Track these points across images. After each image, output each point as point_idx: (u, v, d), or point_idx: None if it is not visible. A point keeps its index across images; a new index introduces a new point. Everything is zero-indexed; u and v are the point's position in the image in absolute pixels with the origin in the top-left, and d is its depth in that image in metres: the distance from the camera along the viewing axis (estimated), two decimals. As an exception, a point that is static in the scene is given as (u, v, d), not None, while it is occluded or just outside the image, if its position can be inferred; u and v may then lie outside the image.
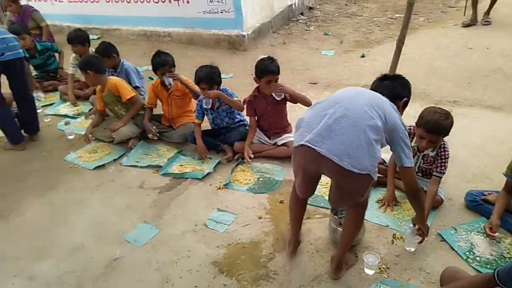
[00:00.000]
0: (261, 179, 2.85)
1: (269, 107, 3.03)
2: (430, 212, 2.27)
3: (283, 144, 3.05)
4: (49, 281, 2.12)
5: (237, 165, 3.02)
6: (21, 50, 3.32)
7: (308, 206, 2.16)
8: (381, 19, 6.56)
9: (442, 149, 2.35)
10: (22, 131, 3.58)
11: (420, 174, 2.52)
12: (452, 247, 2.11)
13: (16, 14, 5.47)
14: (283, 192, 2.68)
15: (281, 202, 2.59)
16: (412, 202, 1.97)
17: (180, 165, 3.07)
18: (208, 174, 2.92)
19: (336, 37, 5.95)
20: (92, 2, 6.44)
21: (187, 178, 2.91)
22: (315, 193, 2.16)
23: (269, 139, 3.15)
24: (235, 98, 3.10)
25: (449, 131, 2.26)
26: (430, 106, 2.38)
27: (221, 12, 5.43)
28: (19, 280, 2.14)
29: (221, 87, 3.13)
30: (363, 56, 5.06)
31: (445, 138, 2.34)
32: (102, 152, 3.35)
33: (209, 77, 3.01)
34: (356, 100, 1.69)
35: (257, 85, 3.00)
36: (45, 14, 5.99)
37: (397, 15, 6.50)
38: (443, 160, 2.34)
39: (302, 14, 7.20)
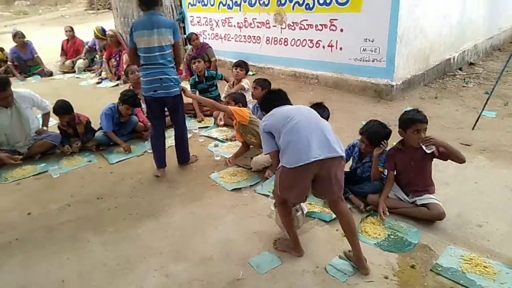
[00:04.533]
0: (392, 236, 2.68)
1: (413, 162, 2.87)
2: None
3: (423, 205, 2.82)
4: (181, 282, 2.37)
5: (367, 216, 2.91)
6: (177, 88, 3.56)
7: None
8: None
9: None
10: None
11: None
12: None
13: (195, 48, 6.57)
14: (415, 256, 2.47)
15: (412, 266, 2.38)
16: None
17: (309, 204, 3.12)
18: (335, 218, 2.89)
19: (499, 98, 5.32)
20: (254, 43, 7.24)
21: (314, 218, 2.93)
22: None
23: (407, 196, 2.96)
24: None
25: None
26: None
27: (373, 61, 5.46)
28: (158, 274, 2.44)
29: None
30: (532, 123, 4.41)
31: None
32: (241, 176, 3.64)
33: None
34: (309, 115, 2.38)
35: (401, 138, 2.90)
36: (214, 50, 7.01)
37: None
38: None
39: (460, 69, 6.70)
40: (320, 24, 5.97)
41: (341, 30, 5.72)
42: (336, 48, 5.88)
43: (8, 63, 8.08)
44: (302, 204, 2.64)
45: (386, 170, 3.04)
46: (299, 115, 2.31)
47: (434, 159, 2.86)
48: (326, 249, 2.60)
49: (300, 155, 2.15)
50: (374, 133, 3.00)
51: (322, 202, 3.12)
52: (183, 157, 3.95)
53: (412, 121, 2.75)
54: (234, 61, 5.35)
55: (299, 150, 2.16)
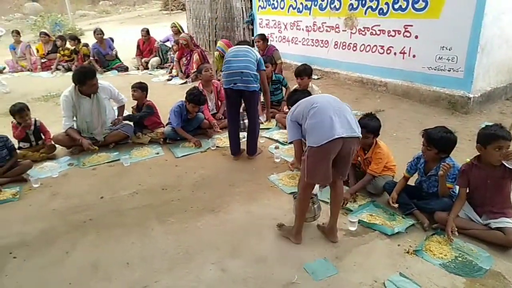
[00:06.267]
0: (460, 258, 2.50)
1: (490, 180, 2.65)
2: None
3: (498, 229, 2.59)
4: (235, 279, 2.41)
5: (433, 234, 2.74)
6: (256, 85, 3.84)
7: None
8: None
9: None
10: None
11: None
12: None
13: (261, 50, 6.65)
14: (486, 283, 2.28)
15: (481, 294, 2.20)
16: None
17: (370, 215, 3.01)
18: (398, 233, 2.77)
19: None
20: (321, 47, 7.16)
21: (375, 230, 2.83)
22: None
23: (480, 217, 2.74)
24: None
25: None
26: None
27: (449, 70, 5.12)
28: (215, 268, 2.52)
29: None
30: None
31: None
32: (300, 180, 3.62)
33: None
34: (331, 99, 2.54)
35: (478, 153, 2.70)
36: (280, 53, 7.05)
37: None
38: None
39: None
40: (393, 30, 5.74)
41: (416, 37, 5.45)
42: (409, 55, 5.61)
43: (91, 58, 8.82)
44: (318, 194, 2.88)
45: (457, 187, 2.85)
46: (322, 100, 2.51)
47: None
48: (386, 263, 2.50)
49: (325, 133, 2.34)
50: (435, 133, 2.85)
51: (387, 214, 3.01)
52: (252, 148, 4.15)
53: (495, 137, 2.54)
54: (300, 64, 5.33)
55: (324, 128, 2.35)
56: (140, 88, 4.77)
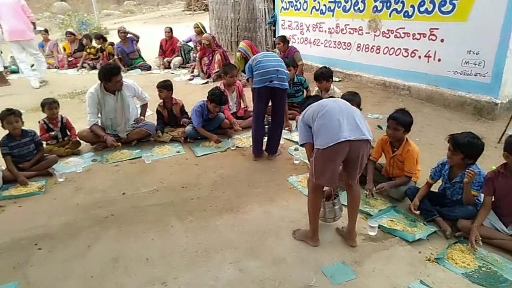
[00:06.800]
0: (483, 268, 2.43)
1: (517, 189, 2.58)
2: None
3: (525, 240, 2.52)
4: (253, 279, 2.42)
5: (455, 242, 2.68)
6: (287, 84, 3.91)
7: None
8: None
9: None
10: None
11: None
12: None
13: (282, 52, 6.66)
14: (511, 295, 2.21)
15: (506, 306, 2.14)
16: None
17: (391, 220, 2.97)
18: (419, 240, 2.71)
19: None
20: (344, 49, 7.10)
21: (396, 236, 2.79)
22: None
23: (506, 227, 2.66)
24: None
25: None
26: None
27: (475, 75, 5.00)
28: (232, 267, 2.53)
29: None
30: None
31: None
32: (319, 183, 3.60)
33: None
34: (341, 103, 2.54)
35: (504, 162, 2.62)
36: (302, 54, 7.03)
37: None
38: None
39: None
40: (418, 33, 5.64)
41: (442, 40, 5.34)
42: (434, 59, 5.50)
43: (115, 56, 9.01)
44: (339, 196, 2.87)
45: (482, 195, 2.78)
46: (332, 103, 2.51)
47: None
48: (406, 271, 2.45)
49: (332, 136, 2.33)
50: (462, 138, 2.77)
51: (408, 220, 2.96)
52: (273, 148, 4.19)
53: None
54: (321, 66, 5.30)
55: (331, 131, 2.35)
56: (165, 88, 4.83)
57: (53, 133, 4.43)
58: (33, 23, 7.59)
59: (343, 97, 3.69)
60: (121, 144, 4.51)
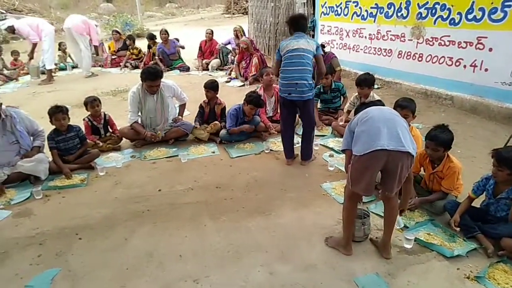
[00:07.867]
0: (528, 292, 2.30)
1: None
2: None
3: None
4: (284, 283, 2.41)
5: (498, 262, 2.55)
6: (310, 94, 3.85)
7: None
8: None
9: None
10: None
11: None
12: None
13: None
14: (558, 322, 2.07)
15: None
16: None
17: (428, 234, 2.86)
18: (457, 256, 2.61)
19: None
20: (384, 56, 6.95)
21: (432, 250, 2.69)
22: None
23: (555, 249, 2.50)
24: None
25: None
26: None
27: (525, 87, 4.75)
28: (263, 270, 2.54)
29: None
30: None
31: None
32: (354, 191, 3.54)
33: None
34: (387, 111, 2.52)
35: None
36: (341, 60, 6.94)
37: None
38: None
39: None
40: (464, 41, 5.42)
41: (490, 50, 5.10)
42: (480, 69, 5.26)
43: (156, 57, 9.29)
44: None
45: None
46: (376, 111, 2.46)
47: None
48: (443, 286, 2.37)
49: (369, 143, 2.29)
50: (507, 153, 2.65)
51: (446, 235, 2.85)
52: (306, 154, 4.17)
53: None
54: (360, 73, 5.22)
55: (370, 138, 2.31)
56: (212, 88, 4.97)
57: (98, 141, 4.63)
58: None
59: (397, 102, 3.57)
60: (160, 138, 4.65)
